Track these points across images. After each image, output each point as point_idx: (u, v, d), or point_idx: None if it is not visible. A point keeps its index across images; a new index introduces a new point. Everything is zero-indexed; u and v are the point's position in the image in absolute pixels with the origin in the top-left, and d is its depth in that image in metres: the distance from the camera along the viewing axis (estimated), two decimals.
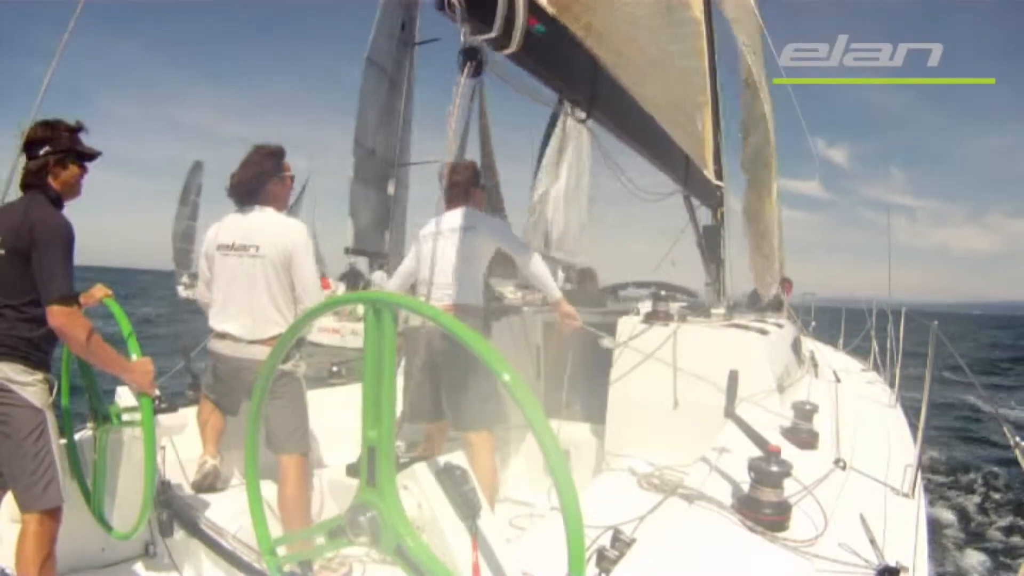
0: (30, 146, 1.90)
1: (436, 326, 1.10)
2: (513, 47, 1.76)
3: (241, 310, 2.35)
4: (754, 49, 4.20)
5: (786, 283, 8.85)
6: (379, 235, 18.62)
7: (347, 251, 17.02)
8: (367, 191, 17.03)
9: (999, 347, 29.69)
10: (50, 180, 1.91)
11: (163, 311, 26.35)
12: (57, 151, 1.91)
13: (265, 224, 2.37)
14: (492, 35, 1.69)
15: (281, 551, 1.43)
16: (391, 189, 18.56)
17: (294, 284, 2.36)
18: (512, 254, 2.76)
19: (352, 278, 17.60)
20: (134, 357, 1.96)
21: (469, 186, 2.87)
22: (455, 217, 2.78)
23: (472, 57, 1.70)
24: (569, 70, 2.27)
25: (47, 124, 1.93)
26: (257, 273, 2.32)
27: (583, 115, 2.45)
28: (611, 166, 3.12)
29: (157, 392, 1.98)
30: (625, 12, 2.52)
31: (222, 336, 2.39)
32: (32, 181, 1.89)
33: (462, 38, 1.67)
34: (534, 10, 1.85)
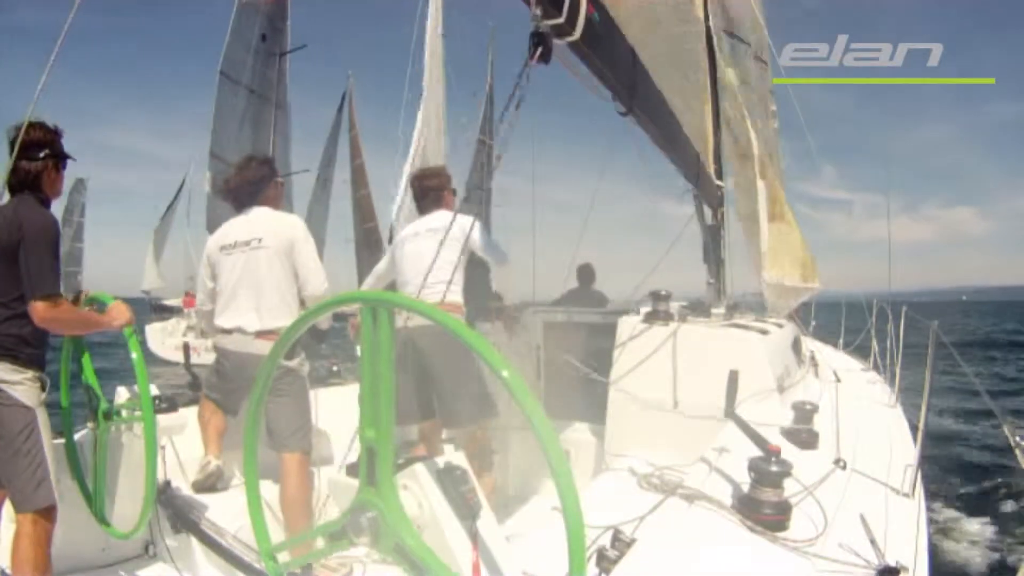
0: (29, 148, 1.88)
1: (420, 325, 1.10)
2: (576, 34, 1.78)
3: (247, 303, 2.40)
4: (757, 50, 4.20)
5: None
6: None
7: None
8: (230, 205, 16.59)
9: (953, 332, 29.64)
10: (44, 183, 1.92)
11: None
12: (55, 154, 1.94)
13: (265, 219, 2.49)
14: (560, 20, 1.69)
15: (283, 557, 1.43)
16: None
17: (297, 272, 2.42)
18: (488, 256, 2.81)
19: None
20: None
21: (442, 190, 2.96)
22: (434, 219, 2.84)
23: (542, 43, 1.68)
24: (615, 61, 2.28)
25: (44, 127, 1.93)
26: (262, 263, 2.39)
27: (624, 109, 2.46)
28: (646, 164, 3.16)
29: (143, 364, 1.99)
30: (649, 7, 2.56)
31: (229, 331, 2.43)
32: (29, 183, 1.89)
33: (532, 22, 1.66)
34: None
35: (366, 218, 16.40)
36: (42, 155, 1.90)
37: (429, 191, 2.94)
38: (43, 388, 1.88)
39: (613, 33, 2.15)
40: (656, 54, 2.66)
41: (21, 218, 1.81)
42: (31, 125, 1.89)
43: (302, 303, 2.48)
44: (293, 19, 17.90)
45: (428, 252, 2.69)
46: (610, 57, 2.23)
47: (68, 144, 2.00)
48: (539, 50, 1.67)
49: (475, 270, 2.88)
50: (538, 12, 1.65)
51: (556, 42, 1.78)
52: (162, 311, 21.81)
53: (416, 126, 7.85)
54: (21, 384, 1.82)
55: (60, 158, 1.97)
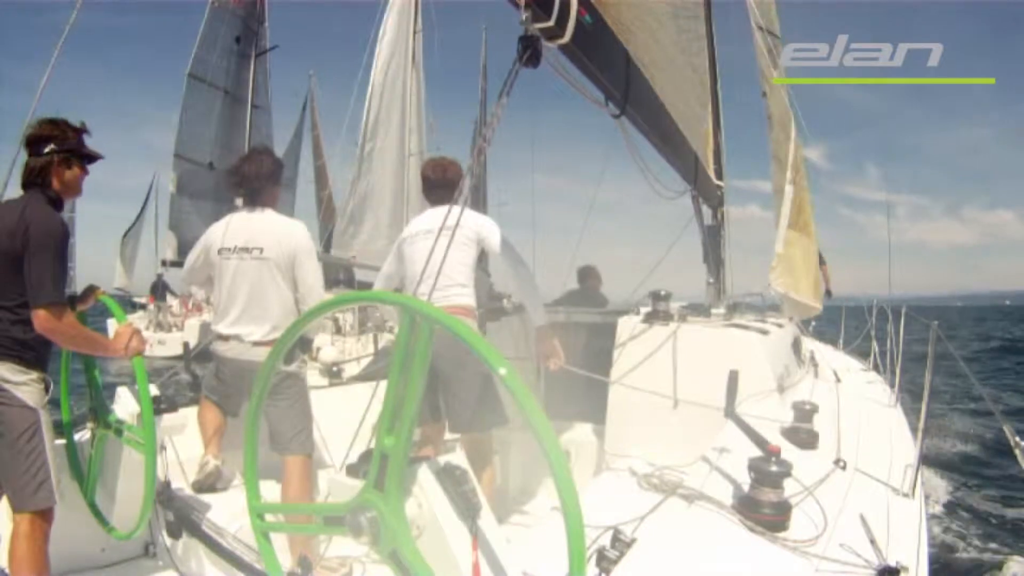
0: (34, 143, 1.89)
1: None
2: (566, 37, 1.75)
3: (245, 312, 2.37)
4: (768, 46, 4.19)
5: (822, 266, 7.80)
6: None
7: (164, 263, 16.40)
8: (198, 204, 16.39)
9: (986, 338, 28.76)
10: (52, 179, 1.90)
11: None
12: (62, 150, 1.90)
13: (268, 226, 2.40)
14: (549, 23, 1.68)
15: (270, 519, 1.43)
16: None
17: (296, 285, 2.37)
18: (499, 257, 2.66)
19: (160, 290, 17.14)
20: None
21: (458, 184, 2.80)
22: (445, 214, 2.75)
23: (532, 45, 1.66)
24: (607, 64, 2.26)
25: (52, 122, 1.92)
26: (263, 275, 2.34)
27: (617, 111, 2.43)
28: (641, 165, 3.16)
29: (156, 391, 1.98)
30: (648, 10, 2.54)
31: (226, 338, 2.40)
32: (34, 180, 1.88)
33: (521, 25, 1.65)
34: (583, 0, 1.85)
35: (327, 213, 16.54)
36: (46, 151, 1.88)
37: (448, 184, 2.76)
38: (47, 389, 1.88)
39: (606, 35, 2.12)
40: (655, 54, 2.64)
41: (28, 220, 1.78)
42: (38, 122, 1.90)
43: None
44: (270, 21, 18.08)
45: (440, 252, 2.65)
46: (603, 60, 2.20)
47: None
48: (528, 53, 1.66)
49: (477, 271, 2.83)
50: (527, 15, 1.63)
51: (547, 45, 1.77)
52: (131, 307, 22.08)
53: (363, 122, 8.01)
54: (26, 385, 1.82)
55: (71, 154, 1.92)
